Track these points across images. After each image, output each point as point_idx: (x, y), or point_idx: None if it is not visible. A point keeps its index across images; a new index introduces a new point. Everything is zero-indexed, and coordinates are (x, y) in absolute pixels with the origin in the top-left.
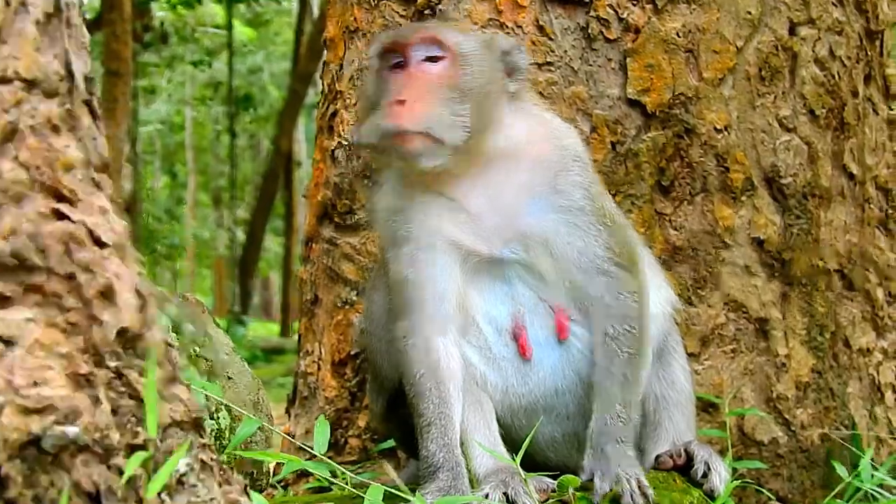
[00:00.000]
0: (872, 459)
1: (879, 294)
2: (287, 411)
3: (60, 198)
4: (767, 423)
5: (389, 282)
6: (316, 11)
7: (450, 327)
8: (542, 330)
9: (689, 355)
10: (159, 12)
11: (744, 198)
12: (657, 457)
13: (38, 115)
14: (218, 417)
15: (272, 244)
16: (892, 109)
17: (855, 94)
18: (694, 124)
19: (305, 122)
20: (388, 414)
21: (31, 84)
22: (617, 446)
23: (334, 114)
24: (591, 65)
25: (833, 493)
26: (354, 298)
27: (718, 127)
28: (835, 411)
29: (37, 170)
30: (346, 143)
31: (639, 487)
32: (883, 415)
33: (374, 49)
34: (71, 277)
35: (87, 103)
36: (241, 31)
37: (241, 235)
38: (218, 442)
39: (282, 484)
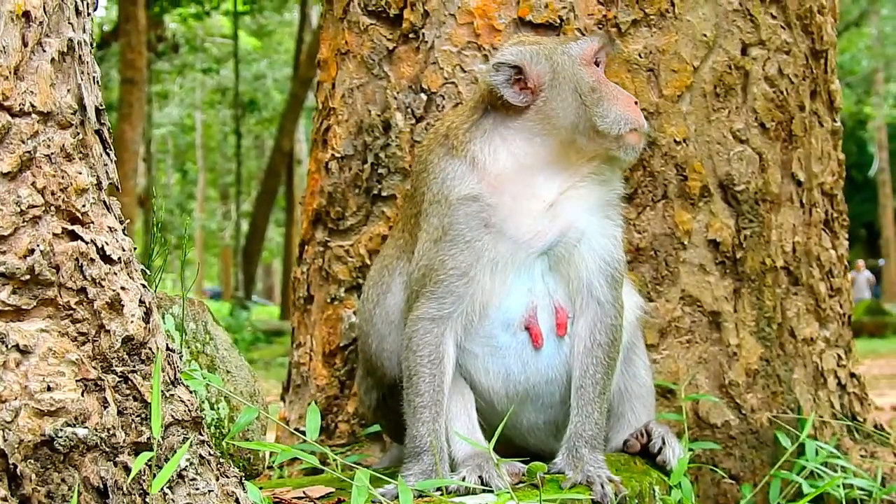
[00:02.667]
0: (816, 439)
1: (822, 288)
2: (282, 398)
3: (73, 219)
4: (720, 407)
5: (427, 263)
6: (315, 22)
7: (461, 321)
8: (546, 324)
9: (649, 346)
10: (171, 24)
11: (701, 203)
12: (625, 441)
13: (53, 144)
14: (218, 408)
15: (274, 234)
16: (835, 121)
17: (802, 108)
18: (655, 137)
19: (306, 123)
20: (380, 405)
21: (46, 116)
22: (590, 449)
23: (328, 129)
24: None
25: (777, 465)
26: (343, 295)
27: (678, 139)
28: (782, 396)
29: (52, 194)
30: (338, 155)
31: (609, 480)
32: (826, 398)
33: (588, 47)
34: (82, 291)
35: (98, 133)
36: (247, 41)
37: (245, 227)
38: (218, 430)
39: (278, 466)
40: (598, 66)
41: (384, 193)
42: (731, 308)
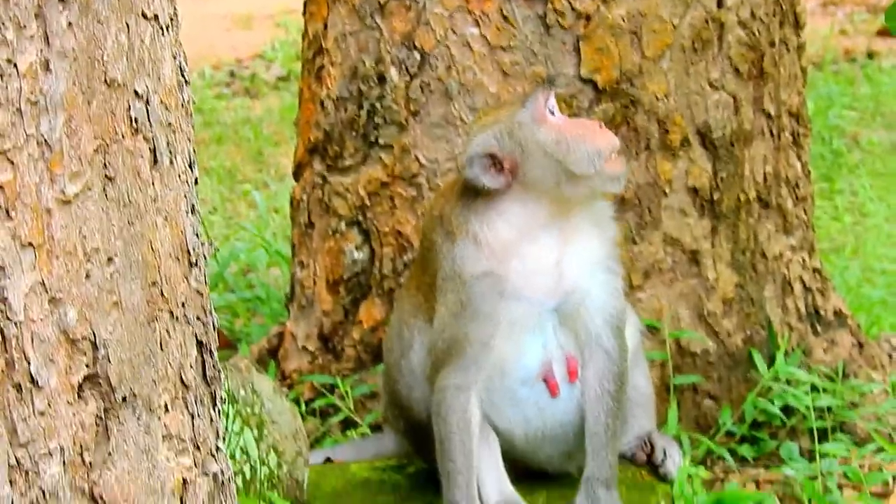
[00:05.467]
0: (786, 352)
1: (789, 204)
2: (286, 307)
3: None
4: (700, 336)
5: (450, 336)
6: None
7: (484, 384)
8: (560, 373)
9: (635, 287)
10: None
11: (681, 153)
12: (633, 454)
13: None
14: (268, 460)
15: None
16: (800, 37)
17: (772, 44)
18: (638, 96)
19: None
20: (407, 431)
21: None
22: (605, 489)
23: (321, 67)
24: (548, 48)
25: (756, 391)
26: (345, 229)
27: (659, 96)
28: (754, 315)
29: None
30: (333, 96)
31: None
32: (792, 305)
33: (535, 106)
34: None
35: None
36: None
37: None
38: (269, 482)
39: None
40: (553, 113)
41: (381, 142)
42: (708, 245)
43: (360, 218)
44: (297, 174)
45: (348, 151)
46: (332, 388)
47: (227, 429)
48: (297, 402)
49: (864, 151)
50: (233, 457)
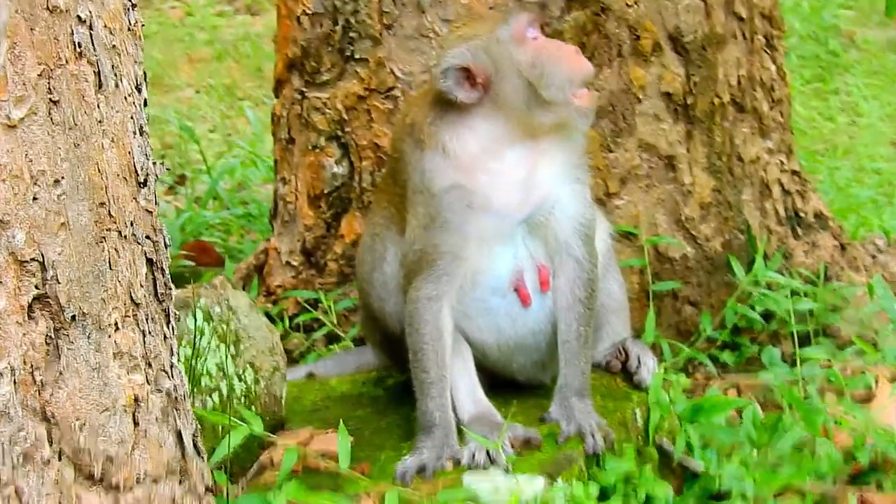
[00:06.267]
0: (766, 255)
1: (765, 107)
2: (270, 223)
3: None
4: (678, 242)
5: (421, 248)
6: None
7: (455, 294)
8: (531, 283)
9: (611, 194)
10: None
11: (653, 58)
12: (607, 361)
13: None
14: (245, 376)
15: None
16: None
17: None
18: (608, 3)
19: None
20: (383, 343)
21: (156, 479)
22: (579, 398)
23: None
24: None
25: (736, 296)
26: (324, 144)
27: (629, 2)
28: (732, 219)
29: None
30: (309, 11)
31: (598, 427)
32: (771, 208)
33: (516, 26)
34: None
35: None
36: None
37: None
38: (247, 398)
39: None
40: (534, 35)
41: (357, 56)
42: (684, 150)
43: (339, 132)
44: (277, 90)
45: (325, 66)
46: (315, 303)
47: (195, 345)
48: (281, 317)
49: (859, 50)
50: (209, 374)
